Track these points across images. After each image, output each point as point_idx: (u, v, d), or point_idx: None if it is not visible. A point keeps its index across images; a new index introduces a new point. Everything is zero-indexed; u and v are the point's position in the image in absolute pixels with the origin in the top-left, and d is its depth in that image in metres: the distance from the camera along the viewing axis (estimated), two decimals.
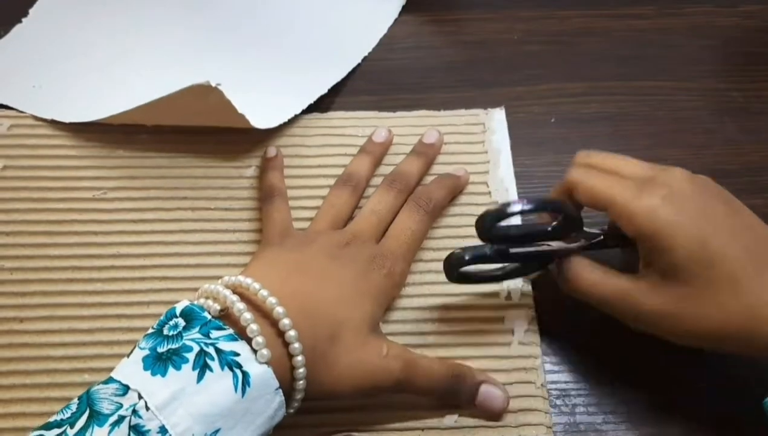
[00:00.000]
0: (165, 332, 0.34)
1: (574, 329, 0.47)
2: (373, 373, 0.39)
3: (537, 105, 0.56)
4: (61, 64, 0.56)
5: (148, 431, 0.31)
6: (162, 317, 0.36)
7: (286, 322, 0.36)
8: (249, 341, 0.35)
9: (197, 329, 0.34)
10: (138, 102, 0.47)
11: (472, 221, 0.48)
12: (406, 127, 0.53)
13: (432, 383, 0.41)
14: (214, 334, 0.34)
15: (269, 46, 0.58)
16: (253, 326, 0.35)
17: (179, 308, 0.36)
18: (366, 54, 0.58)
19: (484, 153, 0.52)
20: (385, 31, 0.60)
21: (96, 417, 0.32)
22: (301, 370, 0.36)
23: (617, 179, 0.41)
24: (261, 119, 0.49)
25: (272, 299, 0.36)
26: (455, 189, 0.50)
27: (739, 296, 0.37)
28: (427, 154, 0.51)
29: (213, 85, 0.43)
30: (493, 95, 0.56)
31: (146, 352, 0.34)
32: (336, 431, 0.41)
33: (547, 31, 0.60)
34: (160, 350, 0.34)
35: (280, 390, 0.35)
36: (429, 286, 0.47)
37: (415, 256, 0.47)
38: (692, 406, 0.44)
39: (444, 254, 0.45)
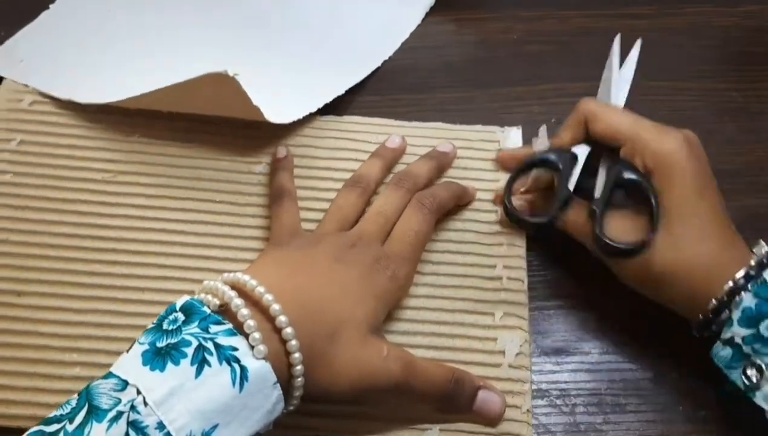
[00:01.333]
0: (164, 326, 0.35)
1: (575, 329, 0.47)
2: (372, 373, 0.39)
3: (537, 105, 0.56)
4: (86, 51, 0.56)
5: (147, 426, 0.31)
6: (162, 313, 0.36)
7: (282, 319, 0.36)
8: (247, 336, 0.35)
9: (196, 323, 0.34)
10: (158, 86, 0.47)
11: (474, 237, 0.48)
12: (420, 138, 0.52)
13: (431, 387, 0.41)
14: (213, 329, 0.34)
15: (292, 43, 0.58)
16: (251, 322, 0.35)
17: (179, 303, 0.36)
18: (387, 57, 0.58)
19: (495, 171, 0.51)
20: (407, 35, 0.59)
21: (95, 412, 0.32)
22: (299, 367, 0.36)
23: (637, 118, 0.46)
24: (276, 114, 0.49)
25: (269, 296, 0.36)
26: (460, 197, 0.50)
27: (702, 249, 0.42)
28: (439, 159, 0.51)
29: (230, 74, 0.43)
30: (493, 95, 0.56)
31: (145, 347, 0.34)
32: None
33: (547, 31, 0.60)
34: (159, 344, 0.34)
35: (278, 385, 0.35)
36: (424, 299, 0.46)
37: (421, 256, 0.47)
38: (694, 406, 0.44)
39: (443, 269, 0.47)
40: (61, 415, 0.32)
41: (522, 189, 0.49)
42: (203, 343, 0.34)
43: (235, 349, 0.34)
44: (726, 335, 0.41)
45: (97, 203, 0.49)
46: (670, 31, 0.60)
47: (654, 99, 0.56)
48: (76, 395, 0.33)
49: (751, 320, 0.40)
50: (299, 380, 0.37)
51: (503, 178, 0.51)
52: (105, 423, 0.31)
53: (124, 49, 0.57)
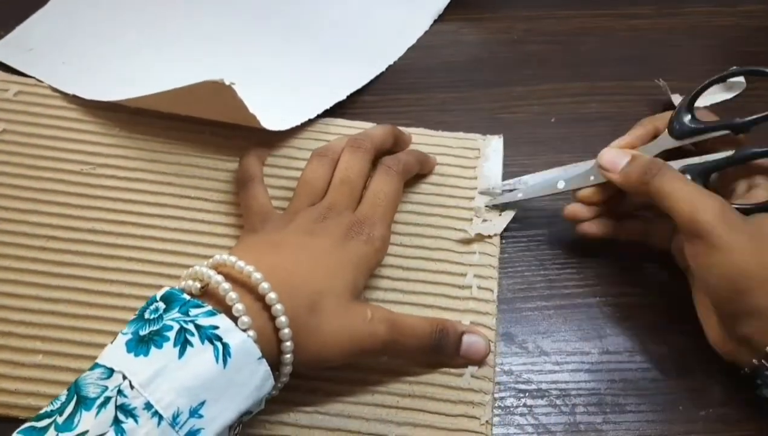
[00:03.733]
0: (146, 316, 0.35)
1: (576, 329, 0.47)
2: (359, 338, 0.40)
3: (537, 105, 0.56)
4: (92, 44, 0.57)
5: (134, 408, 0.32)
6: (144, 304, 0.36)
7: (272, 296, 0.37)
8: (229, 309, 0.35)
9: (176, 309, 0.35)
10: (158, 89, 0.48)
11: (448, 244, 0.48)
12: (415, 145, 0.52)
13: (417, 341, 0.42)
14: (193, 312, 0.35)
15: (297, 45, 0.58)
16: (232, 294, 0.36)
17: (159, 293, 0.36)
18: (391, 62, 0.57)
19: (473, 178, 0.51)
20: (413, 41, 0.59)
21: (83, 402, 0.32)
22: (288, 343, 0.37)
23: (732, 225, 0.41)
24: (273, 120, 0.49)
25: (257, 275, 0.37)
26: (423, 163, 0.50)
27: None
28: (395, 130, 0.50)
29: (227, 83, 0.44)
30: (493, 95, 0.56)
31: (129, 336, 0.34)
32: None
33: (547, 31, 0.60)
34: (141, 333, 0.34)
35: (264, 360, 0.35)
36: (391, 305, 0.46)
37: (393, 217, 0.47)
38: (694, 406, 0.44)
39: (414, 275, 0.46)
40: (52, 410, 0.33)
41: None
42: (184, 326, 0.34)
43: (216, 327, 0.34)
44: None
45: (74, 195, 0.49)
46: (670, 31, 0.60)
47: (654, 99, 0.56)
48: (65, 391, 0.34)
49: None
50: (288, 357, 0.37)
51: (480, 187, 0.50)
52: (93, 410, 0.32)
53: (134, 41, 0.57)
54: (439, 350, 0.43)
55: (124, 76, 0.54)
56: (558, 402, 0.44)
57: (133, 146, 0.51)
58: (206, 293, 0.37)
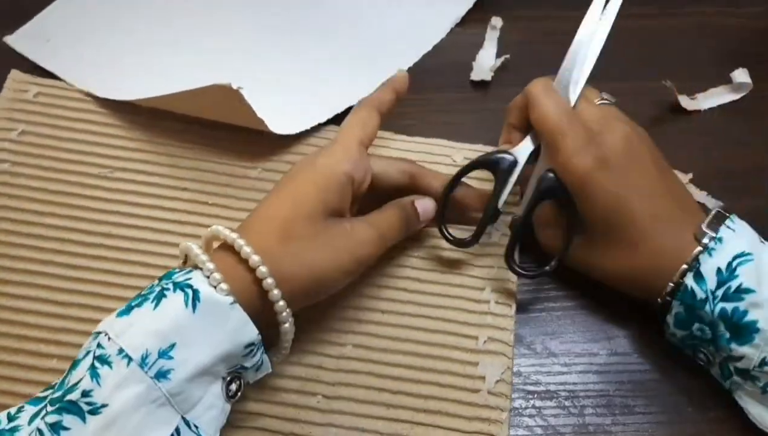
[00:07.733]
0: (143, 293, 0.37)
1: (584, 330, 0.47)
2: (350, 251, 0.41)
3: None
4: (107, 37, 0.56)
5: (109, 356, 0.34)
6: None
7: (240, 242, 0.38)
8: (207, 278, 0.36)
9: (164, 279, 0.37)
10: (170, 90, 0.47)
11: (466, 257, 0.48)
12: (421, 154, 0.52)
13: (397, 232, 0.44)
14: (175, 277, 0.36)
15: (311, 48, 0.57)
16: (209, 265, 0.36)
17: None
18: (405, 69, 0.56)
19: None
20: (429, 48, 0.58)
21: (73, 365, 0.35)
22: (269, 280, 0.37)
23: (569, 118, 0.44)
24: (282, 124, 0.49)
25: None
26: (395, 90, 0.49)
27: (642, 250, 0.42)
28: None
29: (234, 87, 0.44)
30: (494, 95, 0.56)
31: (122, 308, 0.36)
32: None
33: (547, 31, 0.60)
34: (132, 303, 0.36)
35: (237, 305, 0.36)
36: (408, 317, 0.46)
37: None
38: (702, 408, 0.44)
39: (430, 287, 0.46)
40: (53, 384, 0.35)
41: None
42: (164, 286, 0.36)
43: (189, 279, 0.36)
44: (668, 331, 0.43)
45: (90, 198, 0.49)
46: (671, 32, 0.60)
47: (654, 99, 0.56)
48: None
49: (683, 322, 0.42)
50: (276, 293, 0.38)
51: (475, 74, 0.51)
52: (79, 367, 0.34)
53: (148, 38, 0.56)
54: (410, 226, 0.45)
55: (138, 72, 0.54)
56: (567, 403, 0.44)
57: (150, 151, 0.51)
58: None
